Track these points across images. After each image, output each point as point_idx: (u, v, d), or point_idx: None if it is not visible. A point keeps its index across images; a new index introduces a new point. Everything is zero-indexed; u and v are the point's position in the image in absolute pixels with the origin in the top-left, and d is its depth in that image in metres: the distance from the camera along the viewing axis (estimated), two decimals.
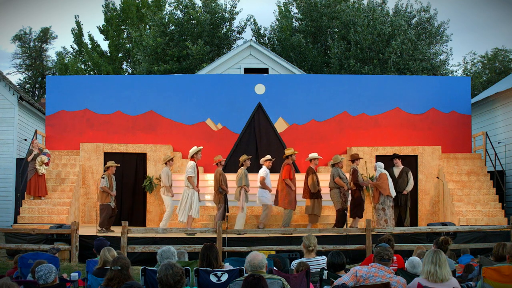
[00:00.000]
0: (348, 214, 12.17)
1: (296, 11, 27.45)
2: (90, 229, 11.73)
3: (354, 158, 12.39)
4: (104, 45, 40.57)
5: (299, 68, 20.50)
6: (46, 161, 13.02)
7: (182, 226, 11.92)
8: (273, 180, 12.49)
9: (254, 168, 13.09)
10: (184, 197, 11.75)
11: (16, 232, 11.13)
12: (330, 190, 12.19)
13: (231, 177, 12.38)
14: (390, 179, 12.27)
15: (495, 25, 52.09)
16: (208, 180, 13.30)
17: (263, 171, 12.34)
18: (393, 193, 12.23)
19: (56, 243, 10.47)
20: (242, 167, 12.20)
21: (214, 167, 12.36)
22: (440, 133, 15.06)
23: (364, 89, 15.18)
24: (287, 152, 12.39)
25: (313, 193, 12.18)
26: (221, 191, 11.86)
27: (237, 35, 26.96)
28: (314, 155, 12.47)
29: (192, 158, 11.96)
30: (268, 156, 12.65)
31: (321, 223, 12.77)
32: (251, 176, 12.42)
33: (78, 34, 29.02)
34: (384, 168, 12.35)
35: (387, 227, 11.66)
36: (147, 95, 14.94)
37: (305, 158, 13.02)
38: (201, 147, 12.27)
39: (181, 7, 25.71)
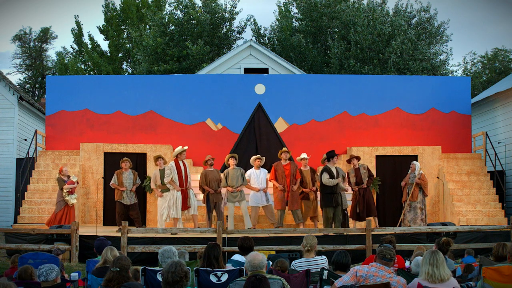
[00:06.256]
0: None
1: (296, 11, 27.43)
2: (90, 229, 11.73)
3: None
4: (104, 45, 40.59)
5: (299, 68, 20.49)
6: (70, 188, 11.93)
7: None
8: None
9: (248, 167, 13.06)
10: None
11: (16, 232, 11.11)
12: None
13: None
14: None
15: (495, 25, 52.13)
16: None
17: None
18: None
19: (56, 243, 10.45)
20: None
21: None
22: (440, 133, 15.06)
23: (364, 89, 15.18)
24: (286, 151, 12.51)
25: None
26: None
27: (237, 35, 26.98)
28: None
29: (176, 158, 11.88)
30: (258, 156, 12.69)
31: None
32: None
33: (78, 34, 28.99)
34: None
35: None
36: (147, 95, 14.94)
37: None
38: (186, 147, 12.16)
39: (181, 7, 25.69)
